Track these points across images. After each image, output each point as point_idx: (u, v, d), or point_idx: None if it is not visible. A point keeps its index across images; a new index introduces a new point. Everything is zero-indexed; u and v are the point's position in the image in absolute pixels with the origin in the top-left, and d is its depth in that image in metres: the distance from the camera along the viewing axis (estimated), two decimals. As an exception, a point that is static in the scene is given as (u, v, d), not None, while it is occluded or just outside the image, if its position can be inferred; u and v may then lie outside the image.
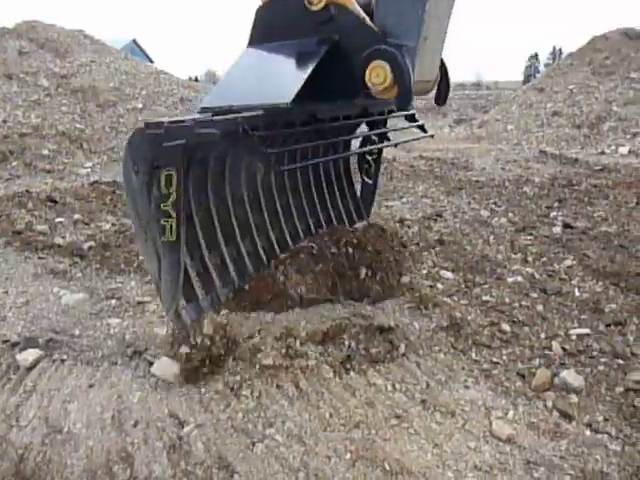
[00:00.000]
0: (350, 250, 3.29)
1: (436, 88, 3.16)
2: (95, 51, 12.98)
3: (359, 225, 4.00)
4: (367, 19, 2.70)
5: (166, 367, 2.66)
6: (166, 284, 2.53)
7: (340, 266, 3.22)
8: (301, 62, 2.72)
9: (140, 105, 11.28)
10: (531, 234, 4.89)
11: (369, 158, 4.21)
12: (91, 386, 2.62)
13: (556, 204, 6.02)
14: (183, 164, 2.38)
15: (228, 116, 2.46)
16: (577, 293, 3.57)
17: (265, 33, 2.91)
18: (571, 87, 12.66)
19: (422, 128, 3.74)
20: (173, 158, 2.35)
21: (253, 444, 2.23)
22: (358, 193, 4.32)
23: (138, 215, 2.51)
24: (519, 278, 3.82)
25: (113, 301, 3.51)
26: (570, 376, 2.64)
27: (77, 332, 3.13)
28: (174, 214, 2.39)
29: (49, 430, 2.35)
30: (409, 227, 5.11)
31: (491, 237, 4.79)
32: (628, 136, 10.62)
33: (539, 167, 8.41)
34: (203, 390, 2.55)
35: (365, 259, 3.32)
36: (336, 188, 4.04)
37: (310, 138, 3.07)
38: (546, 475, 2.10)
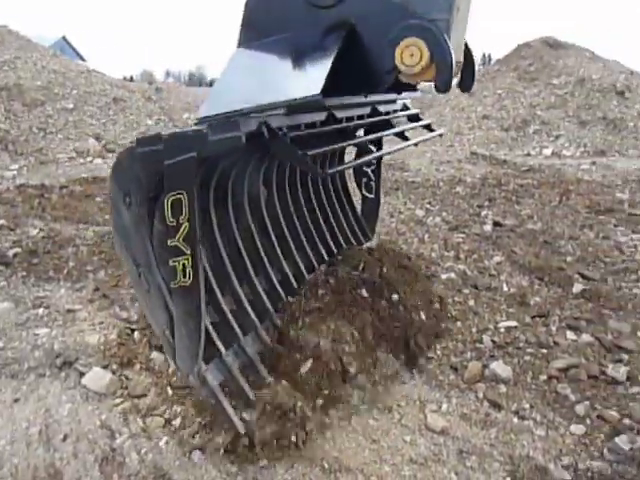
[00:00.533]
0: (382, 288, 2.87)
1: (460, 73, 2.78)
2: (20, 47, 12.32)
3: (369, 245, 3.60)
4: None
5: (98, 377, 2.57)
6: (182, 341, 2.03)
7: (374, 312, 2.75)
8: (316, 54, 2.27)
9: (71, 105, 10.82)
10: (463, 232, 5.08)
11: (367, 170, 3.80)
12: (16, 400, 2.49)
13: (486, 203, 6.28)
14: (195, 184, 1.89)
15: (250, 116, 2.01)
16: (505, 288, 3.74)
17: (261, 28, 2.47)
18: (499, 92, 13.24)
19: (429, 127, 3.30)
20: (181, 178, 1.86)
21: (190, 451, 2.19)
22: (359, 211, 3.90)
23: (133, 259, 2.04)
24: (452, 275, 3.95)
25: (41, 310, 3.34)
26: (499, 367, 2.77)
27: (1, 344, 2.96)
28: (187, 250, 1.91)
29: (-31, 449, 2.21)
30: (347, 228, 5.18)
31: (426, 236, 4.93)
32: (551, 138, 11.24)
33: (471, 168, 8.74)
34: (137, 401, 2.48)
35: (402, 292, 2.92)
36: (337, 207, 3.59)
37: (330, 140, 2.59)
38: (477, 463, 2.19)
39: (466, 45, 2.69)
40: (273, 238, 2.79)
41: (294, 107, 2.12)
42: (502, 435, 2.35)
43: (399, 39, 2.12)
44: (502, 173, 8.14)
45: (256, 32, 2.48)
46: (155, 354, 2.77)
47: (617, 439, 2.23)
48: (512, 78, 13.54)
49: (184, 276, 1.94)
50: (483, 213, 5.82)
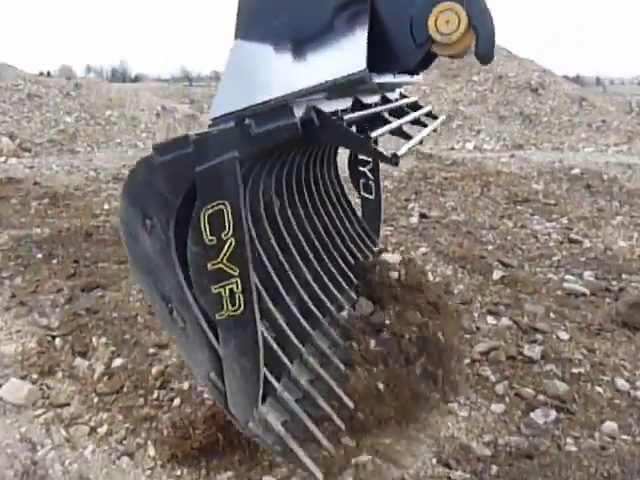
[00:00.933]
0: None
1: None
2: None
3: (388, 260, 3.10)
4: None
5: (15, 388, 2.44)
6: (237, 383, 1.72)
7: None
8: (341, 32, 1.96)
9: (-21, 101, 10.13)
10: (392, 225, 5.21)
11: (364, 170, 3.44)
12: None
13: (413, 196, 6.48)
14: (239, 190, 1.59)
15: (303, 100, 1.72)
16: (431, 277, 3.89)
17: (260, 16, 2.18)
18: (423, 88, 13.66)
19: (431, 115, 3.01)
20: (221, 185, 1.57)
21: (118, 457, 2.13)
22: (360, 214, 3.53)
23: (161, 293, 1.72)
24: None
25: (-50, 321, 3.12)
26: (426, 354, 2.88)
27: None
28: (235, 271, 1.60)
29: None
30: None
31: (355, 230, 5.02)
32: (473, 133, 11.75)
33: (398, 162, 8.98)
34: (60, 410, 2.38)
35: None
36: (342, 214, 3.24)
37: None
38: (406, 447, 2.26)
39: None
40: (294, 252, 2.44)
41: (337, 89, 1.80)
42: (429, 419, 2.45)
43: (431, 5, 1.85)
44: (428, 167, 8.41)
45: (256, 20, 2.18)
46: (79, 360, 2.68)
47: (532, 414, 2.38)
48: (435, 75, 14.01)
49: (233, 304, 1.61)
50: (410, 206, 6.00)
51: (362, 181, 3.47)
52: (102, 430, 2.26)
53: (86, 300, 3.34)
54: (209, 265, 1.61)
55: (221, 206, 1.57)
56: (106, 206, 5.85)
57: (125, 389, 2.48)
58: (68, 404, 2.40)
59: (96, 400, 2.42)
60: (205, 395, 2.42)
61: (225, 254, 1.59)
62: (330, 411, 2.04)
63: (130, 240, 1.71)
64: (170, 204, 1.61)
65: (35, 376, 2.55)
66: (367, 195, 3.52)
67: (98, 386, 2.50)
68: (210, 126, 1.82)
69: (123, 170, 7.84)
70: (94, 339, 2.82)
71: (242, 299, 1.62)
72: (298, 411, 1.91)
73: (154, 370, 2.59)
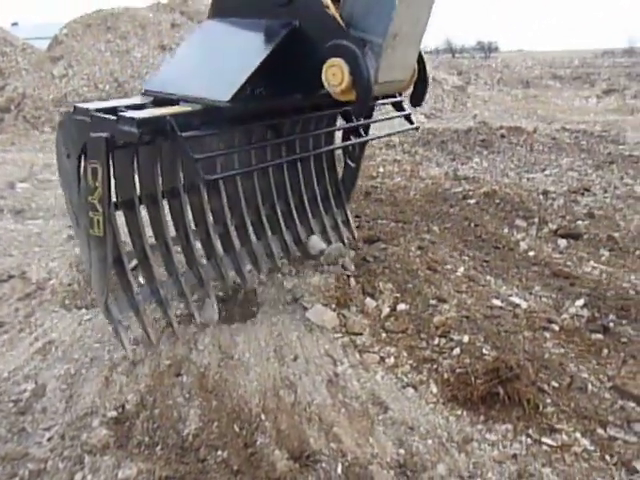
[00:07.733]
0: None
1: (412, 86, 2.84)
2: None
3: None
4: (331, 6, 2.36)
5: (320, 313, 2.91)
6: (94, 276, 2.53)
7: None
8: (254, 48, 2.45)
9: None
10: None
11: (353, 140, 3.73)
12: (254, 324, 2.93)
13: None
14: (106, 158, 2.24)
15: (156, 112, 2.29)
16: None
17: (224, 8, 2.70)
18: None
19: (408, 119, 3.29)
20: (97, 151, 2.23)
21: (404, 387, 2.38)
22: (340, 177, 3.95)
23: (69, 198, 2.56)
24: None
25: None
26: None
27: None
28: (99, 210, 2.30)
29: (222, 355, 2.69)
30: (553, 199, 4.91)
31: (648, 214, 4.45)
32: None
33: None
34: (354, 337, 2.75)
35: None
36: (314, 170, 3.74)
37: (262, 135, 2.97)
38: None
39: (421, 58, 2.77)
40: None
41: (206, 108, 2.35)
42: None
43: (327, 56, 2.26)
44: None
45: (220, 10, 2.72)
46: (368, 300, 3.03)
47: None
48: None
49: (97, 229, 2.34)
50: None
51: (350, 150, 3.85)
52: (389, 361, 2.55)
53: (370, 250, 3.72)
54: (89, 197, 2.31)
55: (96, 165, 2.24)
56: (380, 169, 6.31)
57: (409, 331, 2.74)
58: (361, 333, 2.76)
59: (384, 335, 2.73)
60: (484, 350, 2.54)
61: (97, 196, 2.28)
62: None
63: (59, 161, 2.48)
64: (77, 146, 2.33)
65: (334, 306, 2.98)
66: (351, 163, 3.90)
67: (385, 324, 2.81)
68: (142, 94, 2.53)
69: (393, 138, 8.28)
70: (381, 284, 3.15)
71: (102, 229, 2.34)
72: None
73: (435, 319, 2.79)
